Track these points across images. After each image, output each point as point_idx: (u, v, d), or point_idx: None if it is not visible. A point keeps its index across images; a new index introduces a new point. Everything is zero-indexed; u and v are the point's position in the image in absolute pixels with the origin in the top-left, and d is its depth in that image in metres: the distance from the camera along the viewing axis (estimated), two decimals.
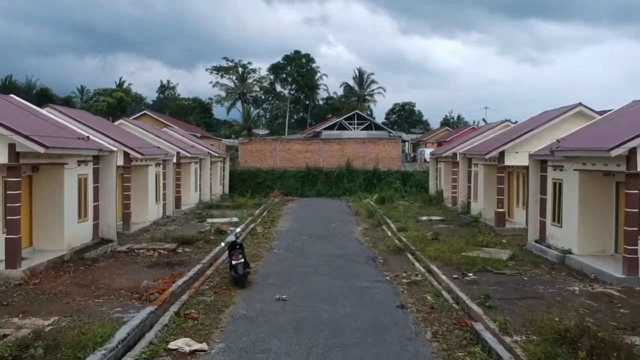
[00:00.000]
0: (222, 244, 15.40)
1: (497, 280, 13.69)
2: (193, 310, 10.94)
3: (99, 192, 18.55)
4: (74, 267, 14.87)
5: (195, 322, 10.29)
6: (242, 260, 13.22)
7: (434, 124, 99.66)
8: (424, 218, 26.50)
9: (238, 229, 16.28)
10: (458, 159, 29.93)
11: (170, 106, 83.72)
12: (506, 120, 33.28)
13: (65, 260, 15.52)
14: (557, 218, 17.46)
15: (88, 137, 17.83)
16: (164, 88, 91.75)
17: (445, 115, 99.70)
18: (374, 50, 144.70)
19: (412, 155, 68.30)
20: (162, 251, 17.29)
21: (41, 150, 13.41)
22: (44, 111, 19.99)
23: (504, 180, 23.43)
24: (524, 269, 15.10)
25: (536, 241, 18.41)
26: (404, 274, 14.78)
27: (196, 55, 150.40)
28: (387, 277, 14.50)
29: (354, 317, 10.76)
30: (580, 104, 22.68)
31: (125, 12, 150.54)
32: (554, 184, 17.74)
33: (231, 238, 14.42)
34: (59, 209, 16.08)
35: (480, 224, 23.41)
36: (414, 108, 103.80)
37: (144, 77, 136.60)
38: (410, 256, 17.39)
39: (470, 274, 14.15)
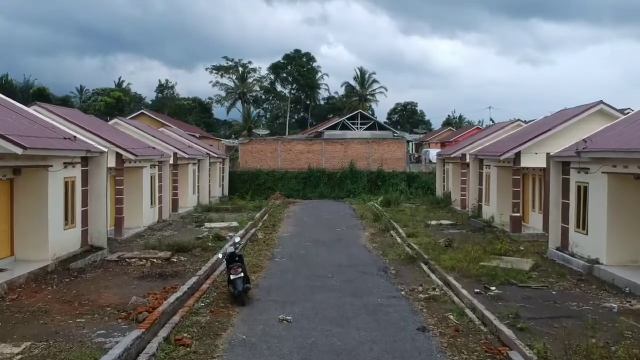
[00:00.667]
0: (219, 256, 14.01)
1: (523, 295, 12.42)
2: (185, 335, 9.59)
3: (88, 196, 17.29)
4: (57, 279, 13.66)
5: (188, 349, 8.93)
6: (242, 274, 11.85)
7: (436, 124, 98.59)
8: (434, 222, 25.17)
9: (237, 238, 14.83)
10: (468, 160, 28.64)
11: (169, 106, 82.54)
12: (517, 120, 31.88)
13: (49, 271, 14.28)
14: (582, 224, 16.16)
15: (75, 136, 16.54)
16: (162, 88, 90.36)
17: (448, 115, 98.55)
18: (374, 50, 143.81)
19: (416, 155, 66.82)
20: (155, 260, 16.04)
21: (19, 151, 12.15)
22: (30, 110, 18.68)
23: (519, 183, 22.12)
24: (550, 280, 13.88)
25: (557, 249, 17.14)
26: (420, 288, 13.43)
27: (196, 55, 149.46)
28: (402, 292, 13.11)
29: (370, 343, 9.39)
30: (601, 102, 21.37)
31: (125, 12, 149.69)
32: (578, 187, 16.43)
33: (229, 249, 13.09)
34: (43, 215, 14.81)
35: (495, 229, 22.08)
36: (416, 108, 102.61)
37: (144, 77, 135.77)
38: (424, 266, 16.05)
39: (493, 288, 12.89)
